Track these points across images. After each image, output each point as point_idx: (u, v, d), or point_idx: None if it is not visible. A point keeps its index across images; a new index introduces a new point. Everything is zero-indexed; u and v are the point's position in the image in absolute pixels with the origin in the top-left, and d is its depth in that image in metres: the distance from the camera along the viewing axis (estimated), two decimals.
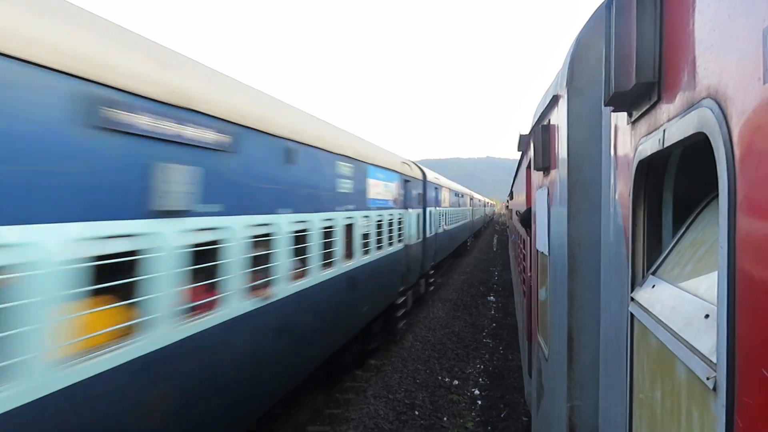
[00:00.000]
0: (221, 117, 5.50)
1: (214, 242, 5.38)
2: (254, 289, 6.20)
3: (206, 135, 5.23)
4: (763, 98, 0.99)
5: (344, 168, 9.56)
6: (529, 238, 7.14)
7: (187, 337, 4.93)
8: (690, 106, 1.41)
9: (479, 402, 11.13)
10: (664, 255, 2.05)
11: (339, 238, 9.22)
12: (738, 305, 1.14)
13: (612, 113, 2.61)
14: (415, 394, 11.25)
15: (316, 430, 9.50)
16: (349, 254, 9.99)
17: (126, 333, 4.26)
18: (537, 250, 5.83)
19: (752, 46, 1.02)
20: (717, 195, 1.61)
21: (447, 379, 12.33)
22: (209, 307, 5.38)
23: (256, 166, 6.30)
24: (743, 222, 1.12)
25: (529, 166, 7.23)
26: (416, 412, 10.33)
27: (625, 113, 2.33)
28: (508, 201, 29.47)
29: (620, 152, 2.58)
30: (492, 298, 22.91)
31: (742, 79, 1.08)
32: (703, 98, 1.30)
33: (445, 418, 10.16)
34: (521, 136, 7.30)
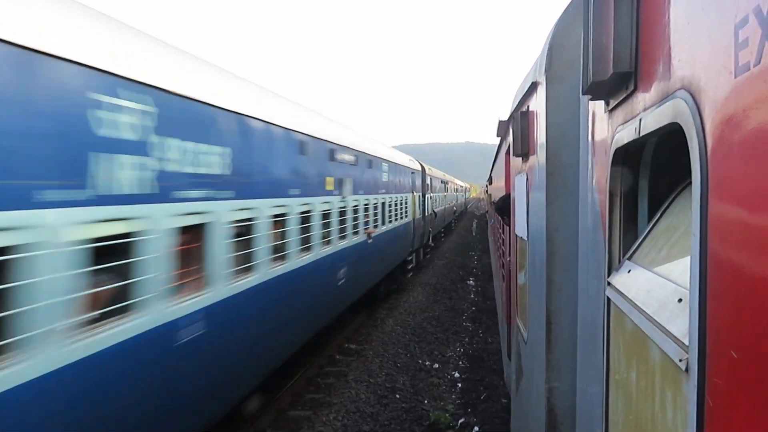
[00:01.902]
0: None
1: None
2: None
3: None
4: (734, 91, 1.02)
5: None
6: (506, 225, 7.22)
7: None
8: (665, 97, 1.45)
9: (459, 385, 11.29)
10: (640, 240, 2.10)
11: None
12: (709, 290, 1.19)
13: (590, 101, 2.65)
14: (396, 377, 11.37)
15: (298, 415, 9.56)
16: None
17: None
18: (516, 235, 5.90)
19: (724, 40, 1.06)
20: (690, 182, 1.66)
21: (427, 363, 12.47)
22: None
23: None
24: (715, 210, 1.17)
25: (508, 152, 7.29)
26: (397, 396, 10.45)
27: (602, 102, 2.37)
28: (487, 186, 29.61)
29: (598, 139, 2.62)
30: (472, 282, 23.14)
31: (714, 72, 1.12)
32: (678, 89, 1.34)
33: (425, 401, 10.30)
34: (500, 122, 7.35)
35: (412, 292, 19.95)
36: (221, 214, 6.20)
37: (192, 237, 5.80)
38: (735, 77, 1.01)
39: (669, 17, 1.44)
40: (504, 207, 6.62)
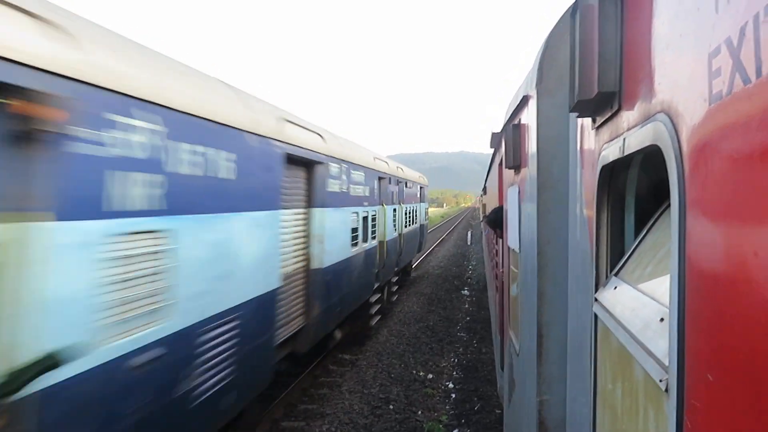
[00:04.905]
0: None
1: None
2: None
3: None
4: (708, 118, 1.04)
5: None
6: (499, 237, 7.24)
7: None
8: (647, 119, 1.47)
9: (453, 395, 11.26)
10: (626, 257, 2.12)
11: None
12: (687, 311, 1.20)
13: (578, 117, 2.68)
14: (389, 388, 11.33)
15: (291, 426, 9.51)
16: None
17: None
18: (509, 247, 5.92)
19: (699, 68, 1.08)
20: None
21: (421, 373, 12.43)
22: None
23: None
24: (692, 232, 1.18)
25: (501, 164, 7.32)
26: (391, 407, 10.41)
27: (590, 118, 2.40)
28: (481, 195, 29.67)
29: (586, 154, 2.65)
30: (466, 291, 23.13)
31: (691, 99, 1.13)
32: (658, 112, 1.36)
33: (419, 412, 10.26)
34: (493, 134, 7.38)
35: (407, 302, 19.92)
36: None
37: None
38: (709, 105, 1.03)
39: (651, 40, 1.46)
40: (496, 219, 6.64)
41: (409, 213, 21.48)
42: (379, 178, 15.39)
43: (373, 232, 14.57)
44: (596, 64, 1.86)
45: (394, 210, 17.96)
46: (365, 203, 13.41)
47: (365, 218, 13.49)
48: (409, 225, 21.64)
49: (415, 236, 23.64)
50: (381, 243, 15.78)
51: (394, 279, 19.81)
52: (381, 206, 15.71)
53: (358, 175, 12.43)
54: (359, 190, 12.67)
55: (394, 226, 17.95)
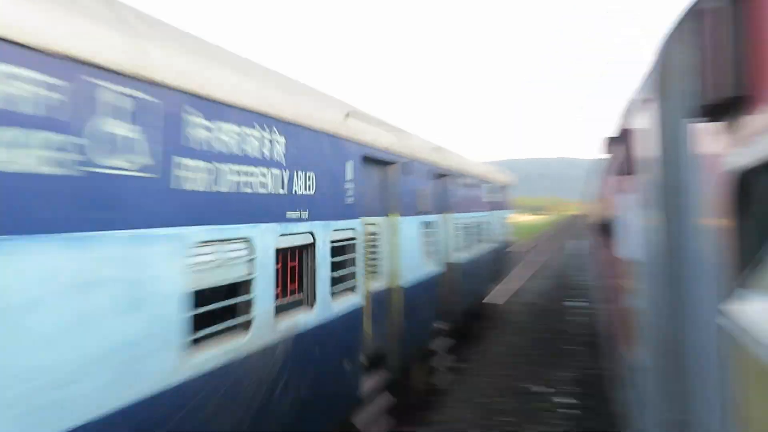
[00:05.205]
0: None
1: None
2: None
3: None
4: None
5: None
6: (611, 246, 6.97)
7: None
8: None
9: (566, 410, 10.90)
10: (759, 268, 2.02)
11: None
12: None
13: (703, 122, 2.58)
14: (498, 399, 11.19)
15: (401, 431, 9.65)
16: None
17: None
18: (625, 257, 5.70)
19: None
20: None
21: (532, 386, 12.15)
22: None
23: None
24: None
25: (613, 170, 7.06)
26: (501, 419, 10.27)
27: (715, 123, 2.31)
28: (588, 203, 28.49)
29: (712, 161, 2.54)
30: (579, 303, 22.28)
31: None
32: None
33: (531, 426, 10.04)
34: (606, 139, 7.16)
35: (517, 312, 19.55)
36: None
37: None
38: None
39: None
40: (607, 228, 6.41)
41: (470, 228, 13.80)
42: (369, 160, 7.52)
43: (348, 276, 6.96)
44: (724, 67, 1.81)
45: (427, 224, 10.32)
46: (301, 211, 5.65)
47: (307, 249, 6.04)
48: (470, 247, 13.78)
49: (483, 265, 15.30)
50: (388, 292, 8.43)
51: (440, 343, 11.66)
52: (386, 218, 8.44)
53: (257, 138, 4.76)
54: (265, 182, 4.91)
55: (427, 253, 10.25)
